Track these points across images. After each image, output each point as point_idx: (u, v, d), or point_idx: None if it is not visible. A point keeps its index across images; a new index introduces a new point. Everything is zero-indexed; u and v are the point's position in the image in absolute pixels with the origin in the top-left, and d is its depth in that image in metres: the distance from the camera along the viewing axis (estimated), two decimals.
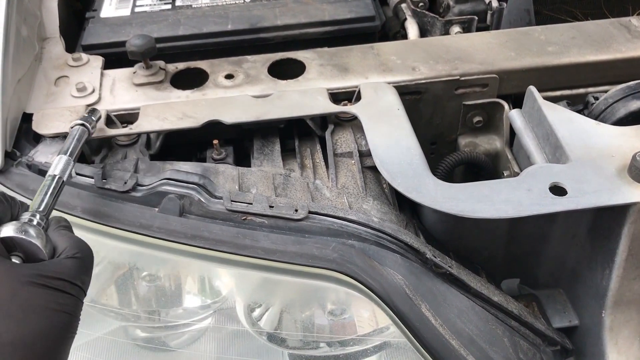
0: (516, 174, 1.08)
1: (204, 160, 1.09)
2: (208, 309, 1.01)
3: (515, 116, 1.07)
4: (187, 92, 1.11)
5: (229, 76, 1.13)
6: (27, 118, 1.06)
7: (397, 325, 0.83)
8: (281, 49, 1.22)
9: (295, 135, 1.09)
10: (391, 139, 0.98)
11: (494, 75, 1.11)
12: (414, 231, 0.96)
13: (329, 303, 0.90)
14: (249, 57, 1.18)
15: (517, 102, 1.15)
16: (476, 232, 0.98)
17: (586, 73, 1.14)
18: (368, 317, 0.88)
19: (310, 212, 0.89)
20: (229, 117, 1.03)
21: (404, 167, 0.93)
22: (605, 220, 0.91)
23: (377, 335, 0.88)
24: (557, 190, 0.87)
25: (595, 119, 1.04)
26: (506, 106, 1.13)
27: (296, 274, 0.84)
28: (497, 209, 0.85)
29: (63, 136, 1.02)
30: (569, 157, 0.92)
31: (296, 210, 0.89)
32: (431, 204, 0.87)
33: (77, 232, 0.91)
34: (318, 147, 1.07)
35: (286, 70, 1.16)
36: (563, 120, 0.98)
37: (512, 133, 1.11)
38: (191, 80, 1.15)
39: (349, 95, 1.10)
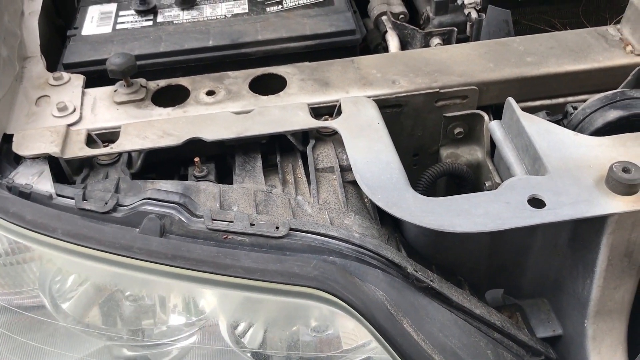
0: (497, 185, 1.09)
1: (185, 177, 1.09)
2: (193, 327, 1.01)
3: (495, 127, 1.08)
4: (168, 110, 1.11)
5: (210, 92, 1.14)
6: (7, 139, 1.06)
7: (379, 342, 0.83)
8: (263, 64, 1.23)
9: (277, 150, 1.09)
10: (371, 153, 0.98)
11: (474, 87, 1.12)
12: (396, 245, 0.97)
13: (312, 319, 0.90)
14: (230, 73, 1.18)
15: (497, 112, 1.16)
16: (458, 244, 0.98)
17: (565, 83, 1.15)
18: (351, 333, 0.88)
19: (291, 229, 0.89)
20: (210, 134, 1.04)
21: (384, 181, 0.94)
22: (585, 231, 0.91)
23: (359, 351, 0.88)
24: (536, 202, 0.88)
25: (574, 129, 1.05)
26: (486, 117, 1.13)
27: (278, 293, 0.83)
28: (475, 223, 0.86)
29: (44, 157, 1.02)
30: (547, 168, 0.93)
31: (277, 228, 0.89)
32: (411, 219, 0.87)
33: (58, 255, 0.92)
34: (300, 162, 1.07)
35: (267, 86, 1.16)
36: (541, 131, 0.98)
37: (493, 143, 1.11)
38: (172, 97, 1.15)
39: (330, 110, 1.11)
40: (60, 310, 0.99)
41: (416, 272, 0.89)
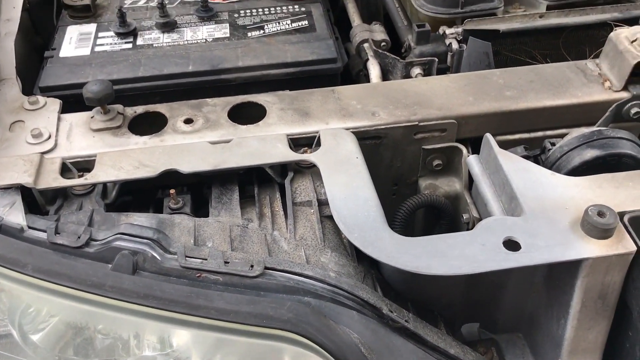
0: (475, 218, 1.09)
1: (162, 200, 1.07)
2: (167, 357, 1.00)
3: (473, 162, 1.08)
4: (145, 138, 1.09)
5: (188, 121, 1.12)
6: None
7: None
8: (242, 90, 1.22)
9: (254, 181, 1.08)
10: (349, 189, 0.98)
11: (452, 121, 1.12)
12: (372, 283, 0.96)
13: (286, 359, 0.89)
14: (209, 100, 1.17)
15: (476, 144, 1.16)
16: (434, 282, 0.98)
17: (543, 117, 1.16)
18: None
19: (266, 268, 0.89)
20: (186, 166, 1.03)
21: (360, 219, 0.93)
22: (560, 273, 0.92)
23: None
24: (511, 244, 0.88)
25: (551, 166, 1.05)
26: (464, 150, 1.14)
27: (251, 335, 0.83)
28: (451, 266, 0.86)
29: (16, 187, 1.00)
30: (523, 209, 0.93)
31: (252, 267, 0.88)
32: (386, 260, 0.87)
33: (28, 292, 0.90)
34: (277, 194, 1.06)
35: (247, 114, 1.16)
36: (518, 170, 0.99)
37: (471, 176, 1.11)
38: (150, 123, 1.14)
39: (310, 141, 1.10)
40: (29, 342, 0.98)
41: (391, 312, 0.88)
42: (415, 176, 1.21)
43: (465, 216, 1.13)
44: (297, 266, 0.90)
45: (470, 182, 1.14)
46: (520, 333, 1.08)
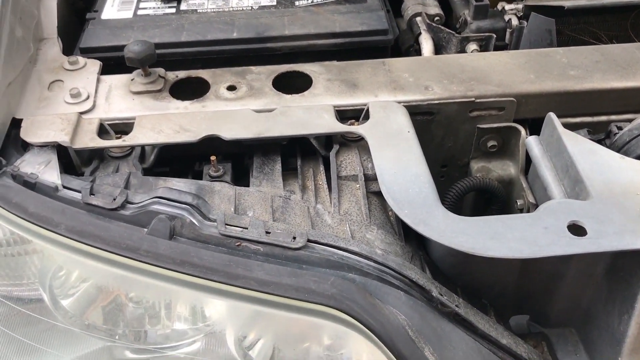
0: (531, 204, 1.02)
1: (200, 173, 1.03)
2: (198, 332, 0.95)
3: (532, 143, 1.01)
4: (186, 103, 1.05)
5: (231, 88, 1.08)
6: (16, 123, 1.01)
7: None
8: (288, 60, 1.17)
9: (297, 153, 1.03)
10: (399, 164, 0.92)
11: (512, 99, 1.05)
12: (420, 264, 0.90)
13: (325, 338, 0.84)
14: (253, 67, 1.12)
15: (534, 126, 1.09)
16: (487, 268, 0.91)
17: (609, 100, 1.08)
18: (367, 357, 0.81)
19: (309, 241, 0.83)
20: (228, 132, 0.98)
21: (412, 196, 0.87)
22: (626, 264, 0.84)
23: None
24: (576, 229, 0.81)
25: (618, 150, 0.97)
26: (523, 132, 1.06)
27: (291, 309, 0.77)
28: (510, 248, 0.79)
29: (52, 145, 0.96)
30: (589, 193, 0.86)
31: (294, 238, 0.83)
32: (440, 239, 0.81)
33: (60, 252, 0.86)
34: (321, 167, 1.01)
35: (292, 83, 1.10)
36: (584, 151, 0.91)
37: (528, 160, 1.04)
38: (192, 89, 1.10)
39: (357, 114, 1.04)
40: (59, 307, 0.94)
41: (441, 295, 0.82)
42: (466, 157, 1.14)
43: (519, 202, 1.06)
44: (342, 241, 0.84)
45: (527, 166, 1.07)
46: (573, 328, 1.01)
